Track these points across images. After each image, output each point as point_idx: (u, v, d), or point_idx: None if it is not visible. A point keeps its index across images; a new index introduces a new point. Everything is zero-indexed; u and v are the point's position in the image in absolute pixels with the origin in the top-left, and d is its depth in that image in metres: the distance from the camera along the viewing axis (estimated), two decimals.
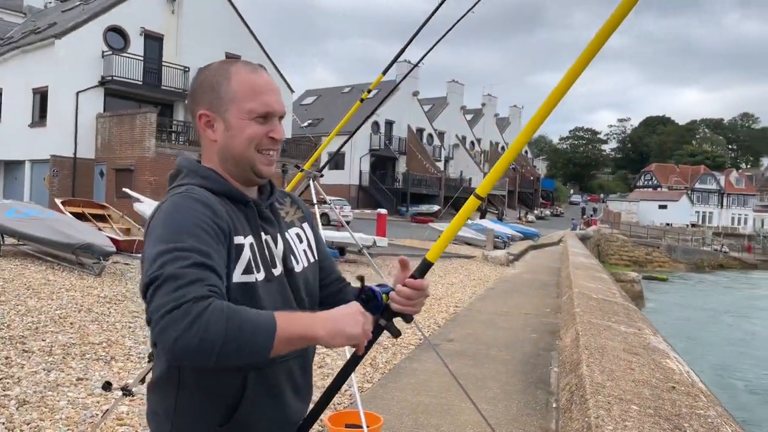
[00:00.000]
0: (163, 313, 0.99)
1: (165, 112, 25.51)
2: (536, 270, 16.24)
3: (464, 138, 58.21)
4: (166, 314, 0.99)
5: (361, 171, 43.33)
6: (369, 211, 32.70)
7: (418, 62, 2.79)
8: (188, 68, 25.79)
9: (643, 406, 1.24)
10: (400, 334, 1.22)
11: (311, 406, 1.34)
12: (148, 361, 2.81)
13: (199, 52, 25.51)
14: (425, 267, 1.23)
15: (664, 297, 26.31)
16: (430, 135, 51.38)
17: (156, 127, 22.09)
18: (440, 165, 50.42)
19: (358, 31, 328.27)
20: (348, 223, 22.12)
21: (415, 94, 47.71)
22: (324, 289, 1.43)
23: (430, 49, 2.73)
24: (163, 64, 25.80)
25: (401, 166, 46.97)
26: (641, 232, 53.16)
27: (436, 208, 43.29)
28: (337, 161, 43.61)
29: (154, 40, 25.69)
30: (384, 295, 1.26)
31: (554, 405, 4.85)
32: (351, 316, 1.13)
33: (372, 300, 1.26)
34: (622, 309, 2.90)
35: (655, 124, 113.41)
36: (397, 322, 1.24)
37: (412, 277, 1.24)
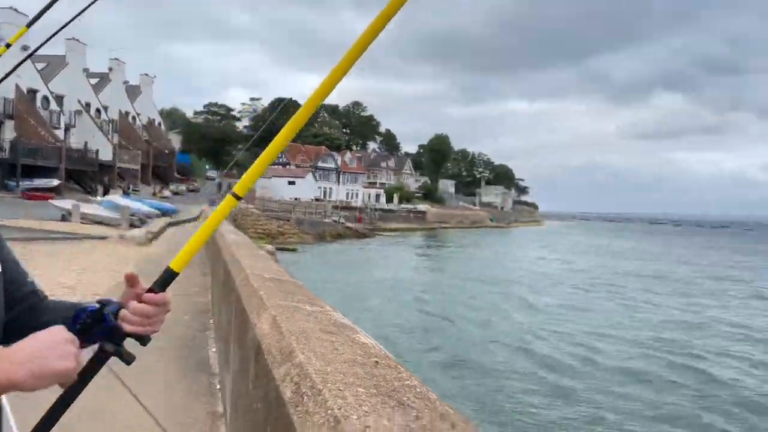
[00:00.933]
0: None
1: None
2: (178, 248, 15.82)
3: (88, 104, 52.36)
4: None
5: None
6: None
7: (77, 16, 2.29)
8: None
9: (366, 387, 1.32)
10: (134, 359, 1.01)
11: None
12: None
13: None
14: (169, 278, 1.03)
15: (295, 267, 28.75)
16: (46, 98, 44.60)
17: None
18: (59, 133, 44.31)
19: None
20: None
21: (25, 48, 40.55)
22: (13, 307, 1.08)
23: (91, 4, 2.31)
24: None
25: (8, 133, 39.56)
26: (274, 207, 56.85)
27: (56, 182, 37.98)
28: None
29: None
30: (112, 314, 1.01)
31: (218, 387, 4.83)
32: (57, 345, 0.87)
33: (98, 322, 1.01)
34: (296, 287, 3.04)
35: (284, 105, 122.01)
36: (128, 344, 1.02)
37: (152, 290, 1.03)
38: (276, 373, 1.61)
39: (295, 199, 68.48)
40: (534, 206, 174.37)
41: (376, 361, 1.64)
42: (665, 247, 71.69)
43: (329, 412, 1.18)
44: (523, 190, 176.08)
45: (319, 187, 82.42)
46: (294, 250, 38.84)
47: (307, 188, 76.65)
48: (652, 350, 16.05)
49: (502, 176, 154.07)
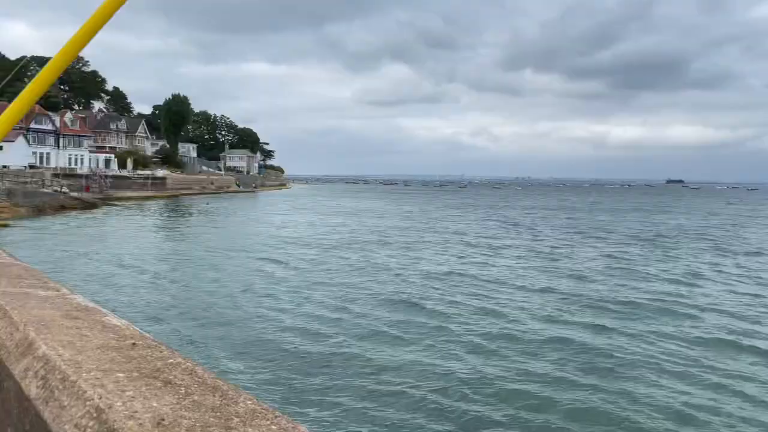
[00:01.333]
0: None
1: None
2: None
3: None
4: None
5: None
6: None
7: None
8: None
9: (127, 371, 1.27)
10: None
11: None
12: None
13: None
14: None
15: (12, 246, 24.84)
16: None
17: None
18: None
19: None
20: None
21: None
22: None
23: None
24: None
25: None
26: None
27: None
28: None
29: None
30: None
31: None
32: None
33: None
34: (22, 270, 2.66)
35: None
36: None
37: None
38: (14, 369, 1.43)
39: (3, 166, 58.49)
40: (280, 170, 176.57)
41: (133, 343, 1.56)
42: (399, 205, 79.50)
43: (89, 402, 1.10)
44: (268, 154, 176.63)
45: (34, 153, 71.70)
46: (6, 225, 33.42)
47: (18, 154, 65.92)
48: (396, 295, 17.95)
49: (247, 140, 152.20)
